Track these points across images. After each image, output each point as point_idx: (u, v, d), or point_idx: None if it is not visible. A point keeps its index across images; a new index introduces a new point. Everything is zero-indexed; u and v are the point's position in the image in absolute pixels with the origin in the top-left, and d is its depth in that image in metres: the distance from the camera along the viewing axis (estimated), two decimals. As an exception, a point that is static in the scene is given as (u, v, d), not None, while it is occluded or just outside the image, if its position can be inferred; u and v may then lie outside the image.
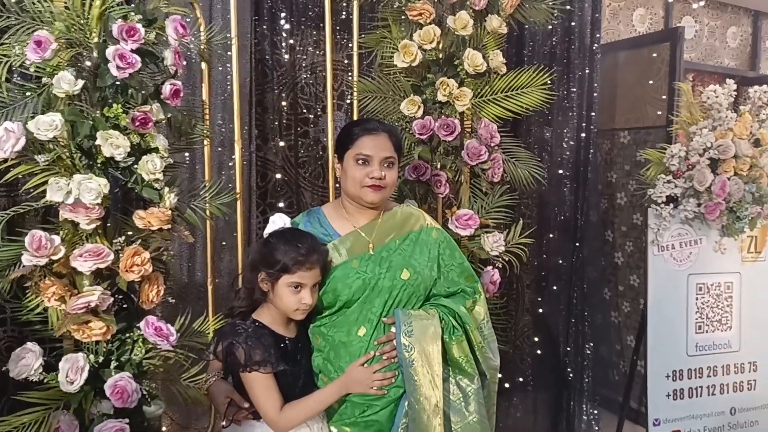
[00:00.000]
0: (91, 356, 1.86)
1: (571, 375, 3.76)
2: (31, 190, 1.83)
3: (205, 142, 2.34)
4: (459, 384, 1.90)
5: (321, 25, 2.85)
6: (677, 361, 3.08)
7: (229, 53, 2.54)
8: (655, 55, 3.91)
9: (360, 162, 1.85)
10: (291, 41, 2.88)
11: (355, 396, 1.84)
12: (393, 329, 1.84)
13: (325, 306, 1.87)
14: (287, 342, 1.84)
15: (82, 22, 1.80)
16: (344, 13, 2.85)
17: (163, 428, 2.56)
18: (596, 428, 3.82)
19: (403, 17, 2.40)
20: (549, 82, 2.42)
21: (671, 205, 2.99)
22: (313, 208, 2.08)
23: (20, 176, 1.83)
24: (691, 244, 3.08)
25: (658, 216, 2.99)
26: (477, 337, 1.92)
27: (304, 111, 2.94)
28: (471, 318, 1.92)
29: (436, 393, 1.81)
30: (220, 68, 2.64)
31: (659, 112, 3.90)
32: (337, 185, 2.79)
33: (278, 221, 1.93)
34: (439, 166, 2.41)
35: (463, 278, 1.98)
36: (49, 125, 1.72)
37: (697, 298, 3.11)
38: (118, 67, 1.75)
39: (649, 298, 3.05)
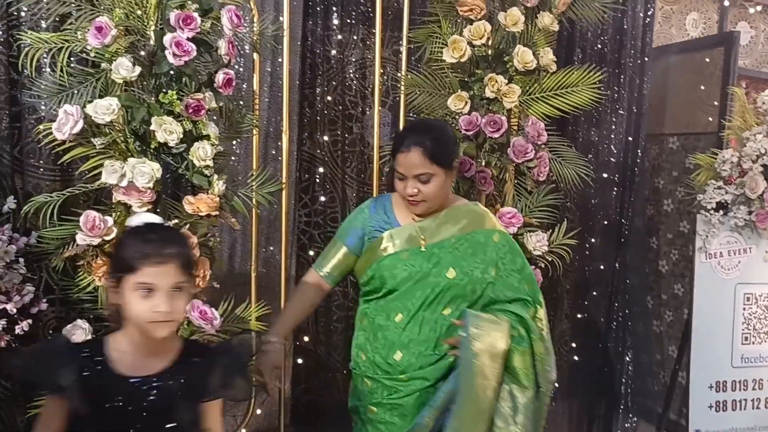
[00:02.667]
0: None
1: (609, 383, 3.69)
2: (85, 173, 1.89)
3: (254, 132, 2.38)
4: (512, 393, 1.89)
5: (370, 21, 2.86)
6: (721, 371, 3.00)
7: (280, 46, 2.57)
8: (708, 59, 3.81)
9: (399, 178, 1.90)
10: (339, 37, 2.89)
11: (386, 378, 1.91)
12: (460, 332, 1.84)
13: (372, 290, 1.96)
14: (132, 381, 1.39)
15: (140, 10, 1.85)
16: (393, 9, 2.85)
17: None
18: (634, 438, 3.75)
19: (453, 13, 2.40)
20: (599, 82, 2.39)
21: (721, 212, 2.92)
22: (382, 194, 2.11)
23: (76, 159, 1.90)
24: (740, 252, 3.00)
25: (706, 222, 2.92)
26: (540, 347, 1.90)
27: (349, 107, 2.96)
28: (536, 328, 1.91)
29: (489, 401, 1.83)
30: (269, 60, 2.68)
31: (710, 118, 3.80)
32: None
33: (139, 218, 1.56)
34: (484, 162, 2.40)
35: (524, 285, 1.96)
36: (106, 109, 1.78)
37: (744, 308, 3.03)
38: (174, 55, 1.79)
39: (694, 306, 2.98)
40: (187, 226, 1.95)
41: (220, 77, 1.93)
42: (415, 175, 1.84)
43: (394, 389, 1.92)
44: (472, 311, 1.87)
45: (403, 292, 1.90)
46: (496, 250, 1.94)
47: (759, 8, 4.66)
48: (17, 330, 2.02)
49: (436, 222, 1.95)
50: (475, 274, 1.91)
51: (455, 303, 1.91)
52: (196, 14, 1.84)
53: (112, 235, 1.83)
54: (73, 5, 1.85)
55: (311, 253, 2.98)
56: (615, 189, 3.61)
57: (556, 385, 2.03)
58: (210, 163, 1.93)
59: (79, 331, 1.87)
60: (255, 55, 2.40)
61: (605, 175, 3.57)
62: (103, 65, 1.84)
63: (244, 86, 2.54)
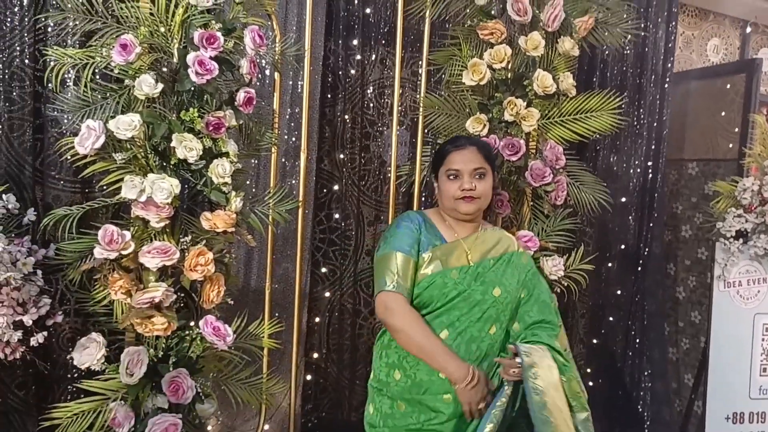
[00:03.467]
0: (151, 350, 1.92)
1: (626, 410, 3.64)
2: (105, 188, 1.91)
3: (273, 150, 2.39)
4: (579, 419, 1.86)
5: (389, 42, 2.89)
6: (739, 403, 2.96)
7: (301, 64, 2.59)
8: (729, 86, 3.79)
9: (451, 177, 1.96)
10: (358, 57, 2.92)
11: (429, 400, 1.86)
12: (516, 358, 1.83)
13: (418, 306, 1.92)
14: None
15: (164, 28, 1.87)
16: (413, 30, 2.87)
17: (209, 428, 2.61)
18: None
19: (473, 36, 2.40)
20: (618, 107, 2.38)
21: (740, 240, 2.89)
22: (413, 211, 2.15)
23: (96, 173, 1.92)
24: (760, 282, 2.96)
25: (726, 251, 2.89)
26: (575, 372, 1.91)
27: (367, 126, 2.98)
28: (566, 354, 1.91)
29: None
30: (290, 81, 2.70)
31: (731, 145, 3.77)
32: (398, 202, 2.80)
33: None
34: (501, 185, 2.40)
35: (547, 308, 1.99)
36: (128, 125, 1.79)
37: (763, 339, 2.98)
38: (197, 73, 1.81)
39: (711, 335, 2.94)
40: (204, 242, 1.95)
41: (241, 96, 1.95)
42: (472, 169, 1.94)
43: (435, 412, 1.86)
44: (522, 344, 1.86)
45: (450, 308, 1.89)
46: (525, 271, 2.00)
47: (781, 35, 4.64)
48: (32, 342, 2.03)
49: (478, 240, 1.99)
50: (514, 293, 1.95)
51: (500, 321, 1.93)
52: (219, 33, 1.85)
53: (130, 250, 1.84)
54: (99, 22, 1.88)
55: (324, 270, 2.99)
56: (633, 214, 3.59)
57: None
58: (228, 180, 1.94)
59: (93, 345, 1.88)
60: (276, 74, 2.42)
61: (623, 200, 3.56)
62: (127, 81, 1.86)
63: (263, 104, 2.56)
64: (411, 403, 1.90)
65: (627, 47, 2.93)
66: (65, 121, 2.24)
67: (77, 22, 1.88)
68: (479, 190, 1.94)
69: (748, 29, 4.51)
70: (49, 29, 2.26)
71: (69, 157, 1.87)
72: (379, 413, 1.96)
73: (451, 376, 1.82)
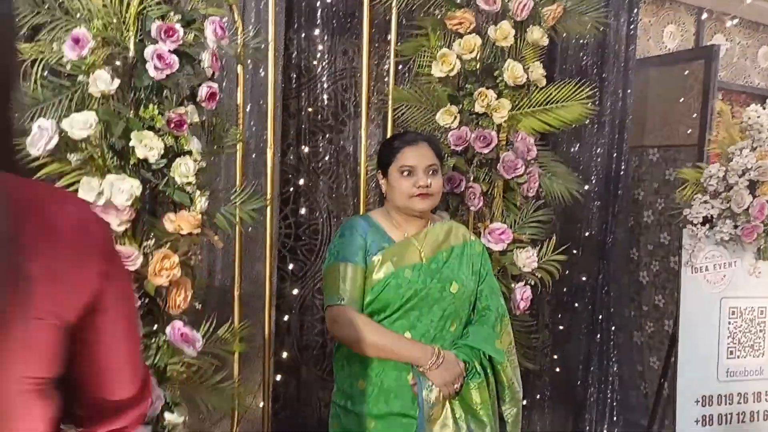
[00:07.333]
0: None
1: (593, 395, 3.67)
2: (61, 190, 1.80)
3: (238, 147, 2.30)
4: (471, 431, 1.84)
5: (353, 32, 2.82)
6: (708, 386, 3.00)
7: (261, 58, 2.50)
8: (687, 72, 3.84)
9: (405, 174, 1.88)
10: (321, 47, 2.84)
11: (399, 406, 1.82)
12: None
13: (372, 312, 1.86)
14: None
15: (118, 20, 1.76)
16: (380, 21, 2.80)
17: (177, 434, 2.52)
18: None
19: (442, 26, 2.35)
20: (590, 96, 2.37)
21: (707, 226, 2.92)
22: (358, 215, 2.06)
23: (50, 176, 1.80)
24: (725, 266, 3.00)
25: (692, 236, 2.92)
26: (509, 375, 1.90)
27: (329, 118, 2.91)
28: (505, 355, 1.89)
29: None
30: (248, 75, 2.61)
31: (689, 131, 3.83)
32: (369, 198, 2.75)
33: None
34: (473, 178, 2.36)
35: (496, 294, 1.99)
36: (83, 124, 1.69)
37: (729, 322, 3.03)
38: (155, 68, 1.72)
39: (680, 320, 2.98)
40: (168, 244, 1.86)
41: (203, 91, 1.86)
42: (426, 165, 1.89)
43: (407, 427, 1.80)
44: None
45: (409, 309, 1.84)
46: (480, 260, 1.98)
47: (735, 21, 4.73)
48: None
49: (428, 236, 1.93)
50: (470, 286, 1.92)
51: (459, 318, 1.90)
52: (178, 25, 1.76)
53: (90, 256, 1.74)
54: (47, 15, 1.76)
55: (291, 266, 2.91)
56: (597, 201, 3.60)
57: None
58: (192, 179, 1.85)
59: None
60: (239, 68, 2.33)
61: (586, 188, 3.57)
62: (80, 78, 1.75)
63: (226, 99, 2.46)
64: (381, 420, 1.83)
65: (588, 36, 2.92)
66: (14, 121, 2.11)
67: (24, 15, 1.76)
68: (434, 187, 1.89)
69: (704, 16, 4.58)
70: (-7, 23, 2.12)
71: (20, 159, 1.76)
72: (344, 431, 1.90)
73: (417, 360, 1.78)
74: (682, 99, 3.87)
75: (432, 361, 1.76)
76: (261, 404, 2.67)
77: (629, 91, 3.51)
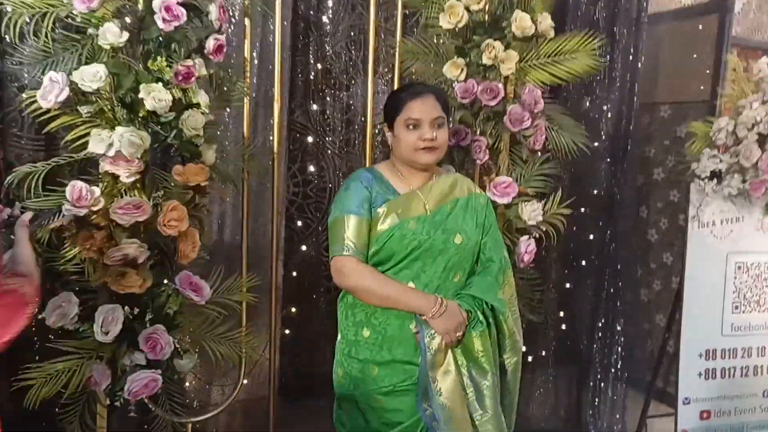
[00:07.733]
0: (126, 308, 1.87)
1: (598, 352, 3.71)
2: (70, 143, 1.83)
3: (245, 100, 2.31)
4: (474, 379, 1.87)
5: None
6: (711, 340, 3.03)
7: (270, 12, 2.49)
8: (701, 27, 3.77)
9: (411, 126, 1.88)
10: (329, 2, 2.82)
11: (402, 354, 1.86)
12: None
13: (378, 262, 1.88)
14: None
15: (126, -28, 1.77)
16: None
17: (187, 384, 2.59)
18: (623, 406, 3.78)
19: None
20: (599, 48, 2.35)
21: (714, 181, 2.91)
22: (365, 168, 2.07)
23: (60, 129, 1.83)
24: (733, 221, 3.00)
25: (700, 191, 2.91)
26: (510, 325, 1.93)
27: (338, 76, 2.89)
28: (506, 305, 1.92)
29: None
30: (260, 27, 2.59)
31: (702, 87, 3.77)
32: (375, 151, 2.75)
33: None
34: (479, 131, 2.36)
35: (500, 246, 2.01)
36: (93, 76, 1.71)
37: (735, 277, 3.04)
38: (164, 20, 1.74)
39: (686, 274, 2.99)
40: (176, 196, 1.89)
41: (210, 43, 1.87)
42: (432, 119, 1.88)
43: (409, 365, 1.86)
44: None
45: (413, 260, 1.86)
46: (484, 212, 1.99)
47: (752, -26, 4.61)
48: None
49: (433, 188, 1.95)
50: (475, 238, 1.94)
51: (463, 269, 1.93)
52: (185, -23, 1.77)
53: (100, 206, 1.78)
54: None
55: (299, 223, 2.94)
56: (606, 158, 3.58)
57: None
58: (200, 132, 1.88)
59: (66, 304, 1.82)
60: (246, 21, 2.32)
61: (596, 144, 3.54)
62: (90, 31, 1.77)
63: (234, 55, 2.46)
64: (383, 366, 1.88)
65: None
66: (25, 74, 2.13)
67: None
68: (440, 140, 1.88)
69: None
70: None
71: (31, 113, 1.79)
72: (348, 377, 1.94)
73: (420, 309, 1.81)
74: (695, 55, 3.81)
75: (435, 310, 1.79)
76: (269, 357, 2.73)
77: (641, 46, 3.45)
